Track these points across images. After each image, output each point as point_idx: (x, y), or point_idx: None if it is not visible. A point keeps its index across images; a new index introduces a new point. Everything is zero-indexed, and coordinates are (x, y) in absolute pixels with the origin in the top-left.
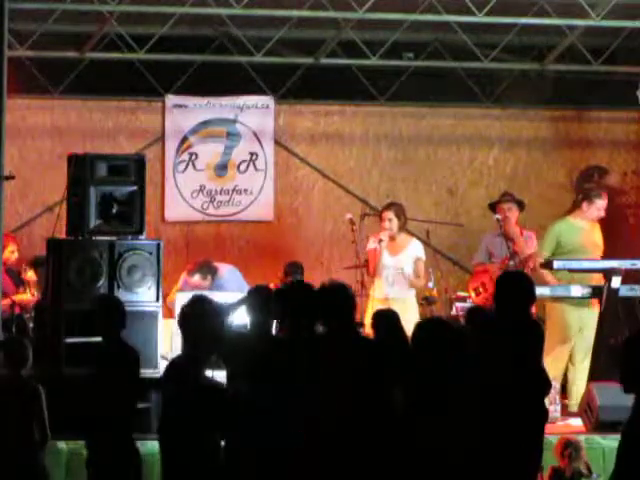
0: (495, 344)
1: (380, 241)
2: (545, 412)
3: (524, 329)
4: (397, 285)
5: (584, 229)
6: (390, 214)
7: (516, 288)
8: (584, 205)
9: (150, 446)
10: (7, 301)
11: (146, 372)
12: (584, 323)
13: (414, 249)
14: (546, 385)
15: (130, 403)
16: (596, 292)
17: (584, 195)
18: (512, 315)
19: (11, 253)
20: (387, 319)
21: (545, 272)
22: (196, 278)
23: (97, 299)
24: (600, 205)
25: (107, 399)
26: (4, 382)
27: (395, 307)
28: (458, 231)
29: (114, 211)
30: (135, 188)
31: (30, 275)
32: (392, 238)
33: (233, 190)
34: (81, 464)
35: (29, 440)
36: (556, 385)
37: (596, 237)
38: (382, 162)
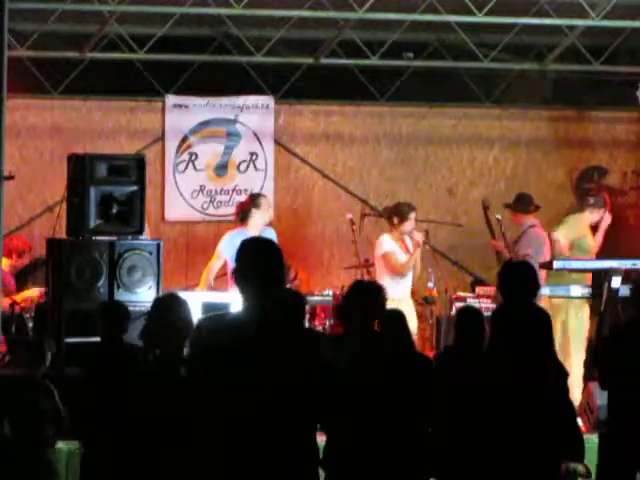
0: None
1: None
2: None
3: (531, 317)
4: (399, 284)
5: None
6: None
7: (519, 277)
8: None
9: None
10: (7, 300)
11: None
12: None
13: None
14: (562, 374)
15: None
16: (596, 292)
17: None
18: (516, 304)
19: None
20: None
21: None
22: None
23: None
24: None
25: None
26: (21, 381)
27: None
28: (458, 231)
29: (114, 211)
30: (135, 188)
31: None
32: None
33: (233, 190)
34: None
35: (39, 437)
36: None
37: None
38: (382, 162)
